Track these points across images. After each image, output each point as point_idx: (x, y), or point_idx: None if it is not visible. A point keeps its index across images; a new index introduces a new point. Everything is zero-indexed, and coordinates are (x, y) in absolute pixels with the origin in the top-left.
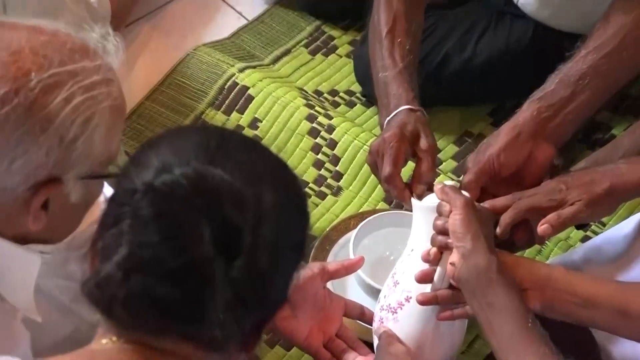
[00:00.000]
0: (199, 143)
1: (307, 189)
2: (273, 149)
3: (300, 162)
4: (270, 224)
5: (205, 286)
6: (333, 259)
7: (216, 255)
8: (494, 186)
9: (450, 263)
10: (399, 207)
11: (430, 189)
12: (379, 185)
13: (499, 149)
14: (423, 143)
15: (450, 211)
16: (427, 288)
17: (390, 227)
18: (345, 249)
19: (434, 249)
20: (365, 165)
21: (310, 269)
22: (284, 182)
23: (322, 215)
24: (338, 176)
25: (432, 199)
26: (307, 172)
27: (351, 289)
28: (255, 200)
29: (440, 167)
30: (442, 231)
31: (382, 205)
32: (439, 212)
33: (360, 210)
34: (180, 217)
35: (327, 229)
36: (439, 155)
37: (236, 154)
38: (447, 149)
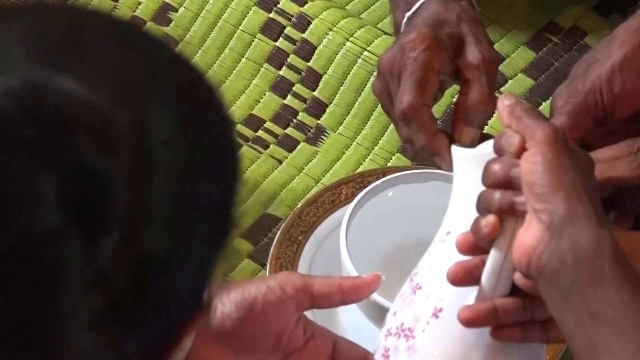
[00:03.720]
0: (33, 32)
1: (261, 132)
2: (199, 60)
3: (249, 83)
4: (163, 173)
5: (50, 285)
6: (309, 262)
7: (68, 229)
8: (603, 138)
9: (519, 241)
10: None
11: (484, 137)
12: (392, 126)
13: (612, 69)
14: (472, 54)
15: (523, 148)
16: (470, 294)
17: (414, 197)
18: (333, 238)
19: (490, 218)
20: (368, 90)
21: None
22: (190, 98)
23: (289, 179)
24: (318, 108)
25: (487, 147)
26: (262, 102)
27: (345, 315)
28: (135, 131)
29: (503, 87)
30: (505, 182)
31: (397, 159)
32: (500, 151)
33: (359, 170)
34: (1, 163)
35: (300, 205)
36: (502, 68)
37: (100, 50)
38: (516, 55)
